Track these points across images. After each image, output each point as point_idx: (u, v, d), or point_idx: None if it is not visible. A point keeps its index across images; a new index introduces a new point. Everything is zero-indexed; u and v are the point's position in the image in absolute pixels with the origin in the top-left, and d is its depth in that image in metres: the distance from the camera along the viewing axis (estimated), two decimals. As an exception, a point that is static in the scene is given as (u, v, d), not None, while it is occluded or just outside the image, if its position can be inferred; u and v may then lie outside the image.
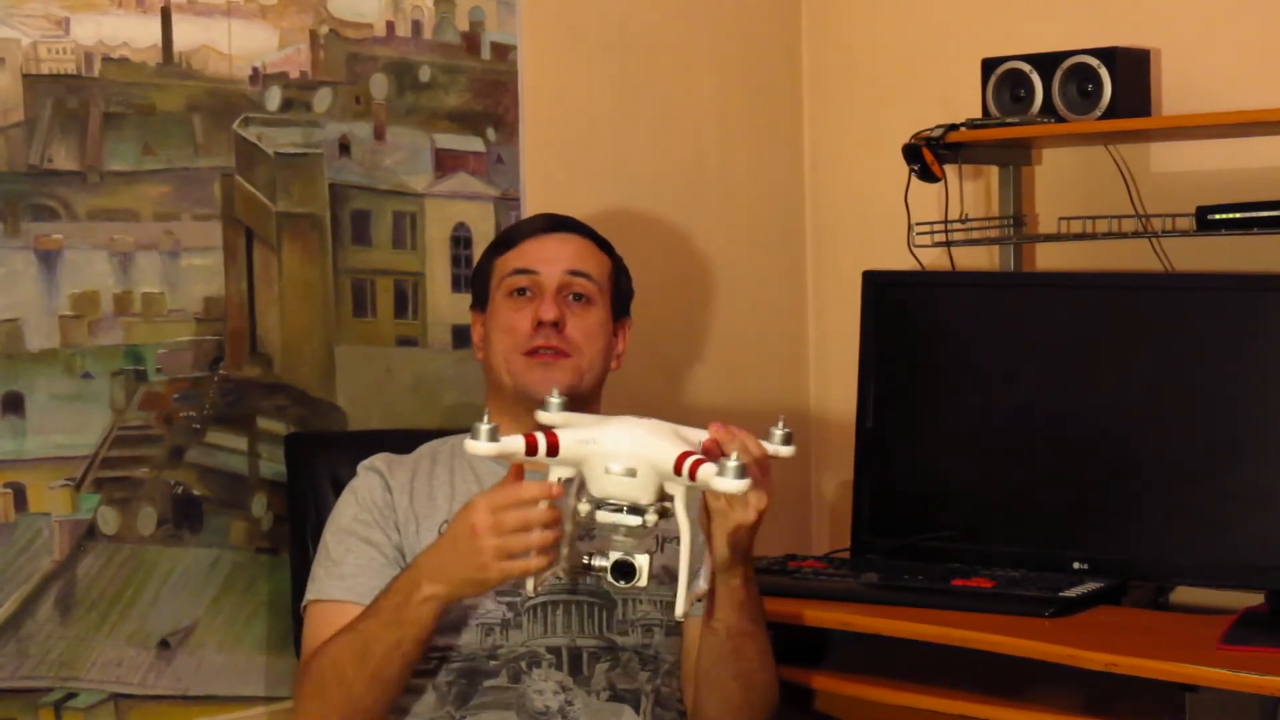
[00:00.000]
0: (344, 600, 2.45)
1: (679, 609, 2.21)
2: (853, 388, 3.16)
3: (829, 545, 3.44)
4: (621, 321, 2.67)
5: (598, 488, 2.17)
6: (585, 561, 2.19)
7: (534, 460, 2.18)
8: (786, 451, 2.27)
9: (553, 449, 2.16)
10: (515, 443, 2.15)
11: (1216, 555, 2.81)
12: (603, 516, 2.16)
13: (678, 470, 2.15)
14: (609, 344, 2.63)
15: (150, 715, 2.74)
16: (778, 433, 2.27)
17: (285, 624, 2.80)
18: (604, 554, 2.18)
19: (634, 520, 2.15)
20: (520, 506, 2.20)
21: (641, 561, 2.17)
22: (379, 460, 2.58)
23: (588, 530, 2.23)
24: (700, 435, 2.22)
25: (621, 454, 2.16)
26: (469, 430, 2.56)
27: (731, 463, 2.11)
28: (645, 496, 2.16)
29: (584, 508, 2.17)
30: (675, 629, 2.53)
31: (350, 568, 2.48)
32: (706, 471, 2.13)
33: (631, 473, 2.15)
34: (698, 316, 3.47)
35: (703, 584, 2.27)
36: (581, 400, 2.52)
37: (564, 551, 2.24)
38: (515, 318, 2.57)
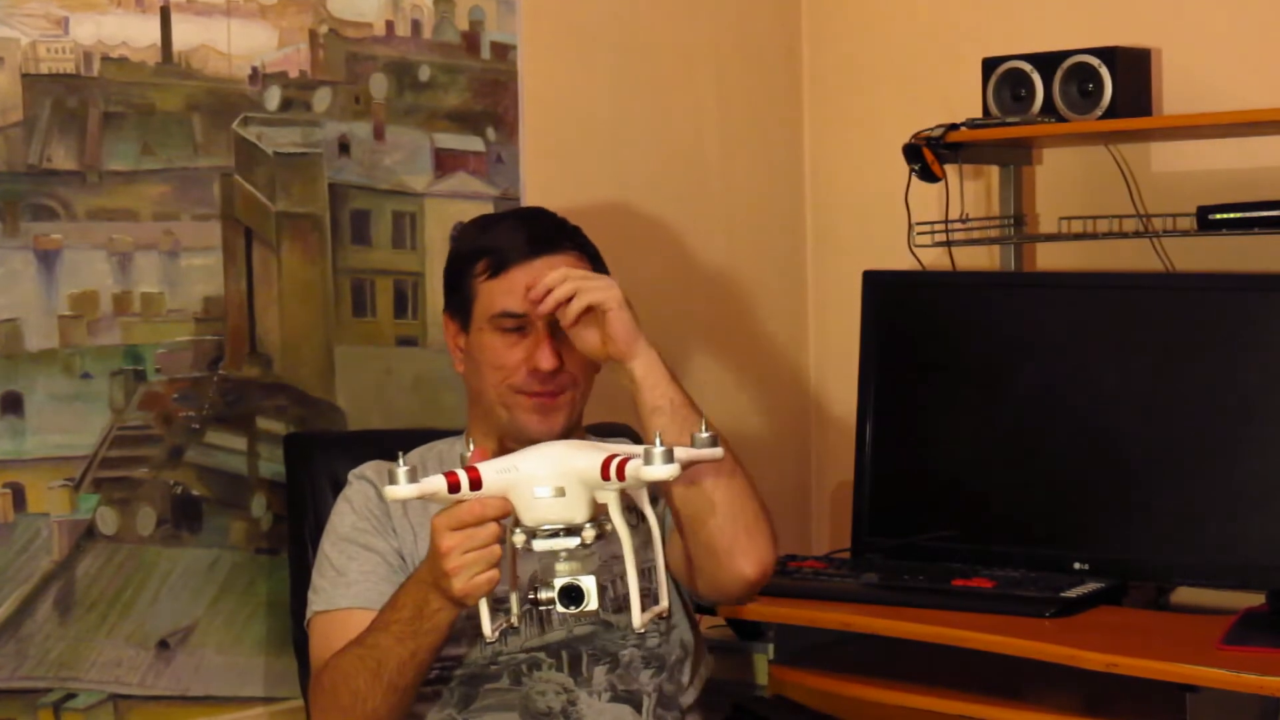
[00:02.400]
0: (352, 608, 2.45)
1: (635, 620, 2.16)
2: (853, 388, 3.16)
3: (829, 545, 3.44)
4: None
5: (529, 516, 2.13)
6: (531, 596, 2.14)
7: (458, 498, 2.15)
8: (666, 472, 2.10)
9: (475, 484, 2.13)
10: (436, 482, 2.13)
11: (1217, 555, 2.81)
12: (540, 544, 2.12)
13: (605, 475, 2.11)
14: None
15: (149, 716, 2.73)
16: (658, 451, 2.10)
17: (285, 624, 2.80)
18: (548, 584, 2.13)
19: (572, 542, 2.11)
20: (479, 524, 2.16)
21: (588, 584, 2.12)
22: (369, 470, 2.57)
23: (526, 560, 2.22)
24: (620, 447, 2.18)
25: (545, 475, 2.12)
26: (457, 434, 2.57)
27: (657, 449, 2.08)
28: (579, 514, 2.12)
29: (519, 539, 2.13)
30: (677, 627, 2.53)
31: (355, 574, 2.47)
32: (634, 466, 2.10)
33: (560, 492, 2.11)
34: (698, 317, 3.47)
35: (663, 602, 2.22)
36: (574, 421, 2.53)
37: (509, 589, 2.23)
38: (507, 355, 2.51)
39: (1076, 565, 2.90)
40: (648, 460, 2.08)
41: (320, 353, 2.93)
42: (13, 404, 2.60)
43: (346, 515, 2.53)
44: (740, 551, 2.44)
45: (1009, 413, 3.03)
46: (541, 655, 2.46)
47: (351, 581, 2.47)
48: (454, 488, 2.13)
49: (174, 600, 2.76)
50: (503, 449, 2.43)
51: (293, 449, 2.84)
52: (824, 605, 2.81)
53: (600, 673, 2.47)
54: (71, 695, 2.66)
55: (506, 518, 2.15)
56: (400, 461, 2.12)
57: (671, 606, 2.52)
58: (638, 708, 2.48)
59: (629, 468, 2.11)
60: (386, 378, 3.01)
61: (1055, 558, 2.91)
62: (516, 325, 2.51)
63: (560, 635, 2.47)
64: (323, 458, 2.78)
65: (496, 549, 2.16)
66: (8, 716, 2.59)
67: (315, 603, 2.50)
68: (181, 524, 2.77)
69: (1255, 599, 2.75)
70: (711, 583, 2.49)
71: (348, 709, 2.34)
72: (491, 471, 2.14)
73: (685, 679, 2.54)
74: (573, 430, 2.52)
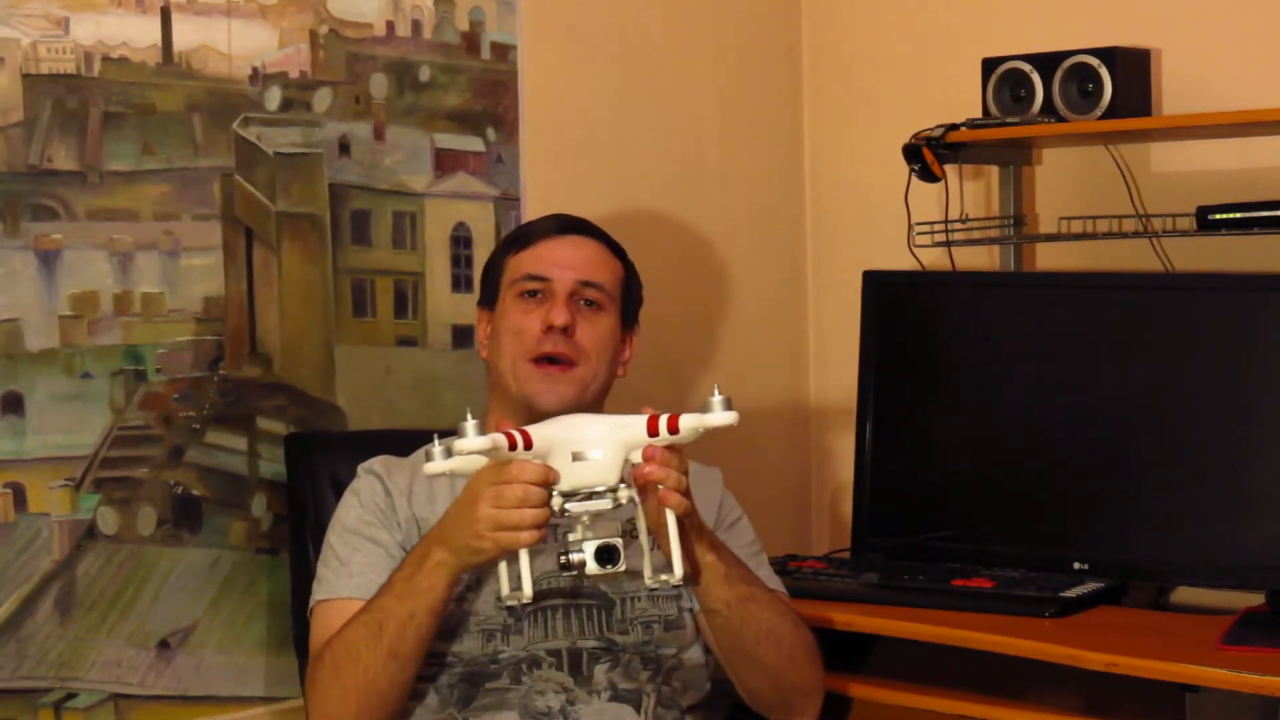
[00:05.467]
0: (353, 598, 2.45)
1: (647, 576, 2.26)
2: (853, 388, 3.16)
3: (829, 545, 3.44)
4: (630, 330, 2.68)
5: (566, 479, 2.22)
6: (563, 560, 2.22)
7: (513, 456, 2.22)
8: (728, 419, 2.25)
9: (528, 443, 2.22)
10: (499, 439, 2.21)
11: (1217, 555, 2.81)
12: (575, 507, 2.22)
13: (653, 432, 2.23)
14: (617, 352, 2.63)
15: (150, 715, 2.74)
16: (716, 400, 2.25)
17: (285, 624, 2.80)
18: (578, 547, 2.21)
19: (605, 504, 2.22)
20: (521, 483, 2.22)
21: (619, 543, 2.21)
22: (377, 464, 2.59)
23: (557, 525, 2.29)
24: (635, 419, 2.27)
25: (589, 438, 2.23)
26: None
27: (716, 397, 2.22)
28: (613, 477, 2.22)
29: (556, 502, 2.22)
30: (675, 622, 2.53)
31: (358, 566, 2.48)
32: (693, 418, 2.23)
33: (601, 456, 2.22)
34: (698, 316, 3.47)
35: (647, 579, 2.30)
36: (585, 409, 2.53)
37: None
38: (524, 320, 2.57)
39: (1076, 565, 2.90)
40: (707, 409, 2.22)
41: (320, 353, 2.94)
42: (13, 404, 2.60)
43: (353, 507, 2.55)
44: (796, 711, 2.58)
45: (1009, 412, 3.03)
46: (541, 654, 2.46)
47: (354, 573, 2.48)
48: (512, 445, 2.22)
49: (174, 600, 2.76)
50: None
51: (293, 449, 2.84)
52: (824, 605, 2.81)
53: (600, 671, 2.47)
54: (72, 695, 2.66)
55: (552, 483, 2.23)
56: (469, 417, 2.18)
57: (681, 615, 2.55)
58: (637, 707, 2.47)
59: (685, 420, 2.22)
60: (387, 378, 3.02)
61: (1055, 558, 2.91)
62: (537, 289, 2.58)
63: (564, 643, 2.48)
64: (323, 458, 2.79)
65: (529, 513, 2.22)
66: (8, 716, 2.59)
67: (318, 592, 2.51)
68: (182, 524, 2.77)
69: (1255, 599, 2.76)
70: (750, 703, 2.60)
71: (348, 679, 2.36)
72: (540, 434, 2.24)
73: (679, 683, 2.55)
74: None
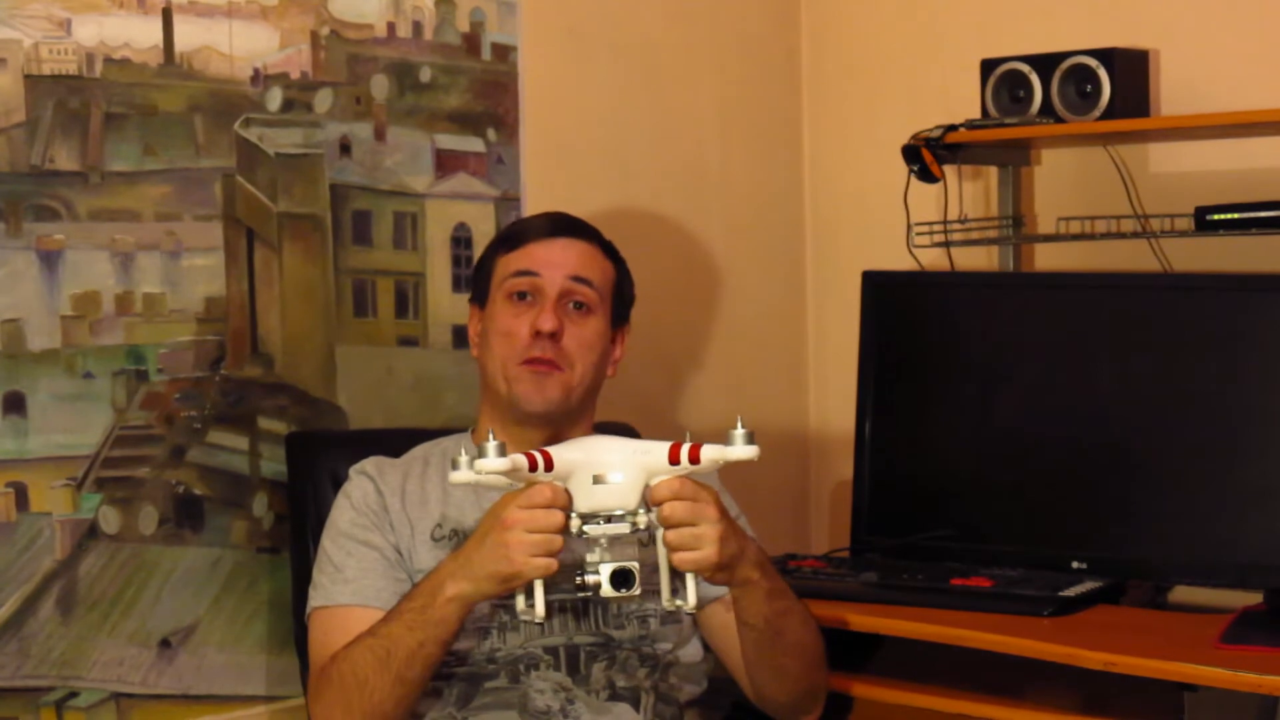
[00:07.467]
0: (350, 605, 2.46)
1: (690, 600, 2.28)
2: (852, 388, 3.16)
3: (829, 545, 3.44)
4: (620, 329, 2.68)
5: (585, 502, 2.23)
6: (579, 581, 2.23)
7: (533, 477, 2.23)
8: (749, 453, 2.25)
9: (549, 464, 2.23)
10: (520, 460, 2.22)
11: (1215, 554, 2.81)
12: (592, 530, 2.22)
13: (674, 460, 2.23)
14: (605, 353, 2.62)
15: (152, 714, 2.74)
16: (739, 433, 2.25)
17: (286, 623, 2.81)
18: (594, 569, 2.22)
19: (624, 528, 2.22)
20: (549, 507, 2.23)
21: (634, 567, 2.22)
22: (369, 464, 2.59)
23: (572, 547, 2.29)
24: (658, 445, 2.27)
25: (611, 461, 2.23)
26: (462, 431, 2.62)
27: (739, 431, 2.21)
28: (633, 501, 2.23)
29: (574, 524, 2.22)
30: (670, 616, 2.54)
31: (353, 571, 2.49)
32: (714, 449, 2.22)
33: (622, 480, 2.22)
34: (698, 317, 3.48)
35: (664, 602, 2.33)
36: (572, 412, 2.55)
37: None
38: (514, 323, 2.56)
39: (1075, 564, 2.90)
40: (730, 442, 2.22)
41: (321, 353, 2.94)
42: (15, 404, 2.61)
43: (345, 511, 2.55)
44: (802, 711, 2.60)
45: (1007, 412, 3.03)
46: (539, 652, 2.47)
47: (349, 579, 2.48)
48: (533, 466, 2.22)
49: (176, 599, 2.77)
50: (513, 437, 2.46)
51: (294, 448, 2.85)
52: (823, 604, 2.81)
53: (598, 670, 2.48)
54: (74, 694, 2.66)
55: (568, 507, 2.24)
56: (490, 437, 2.20)
57: (677, 610, 2.55)
58: (636, 705, 2.48)
59: (707, 451, 2.23)
60: (387, 377, 3.02)
61: (1054, 557, 2.92)
62: (526, 290, 2.57)
63: (561, 640, 2.48)
64: (324, 457, 2.79)
65: (559, 539, 2.24)
66: (10, 715, 2.60)
67: (314, 598, 2.52)
68: (183, 523, 2.78)
69: (1253, 598, 2.76)
70: (758, 703, 2.62)
71: (353, 699, 2.36)
72: (561, 455, 2.25)
73: (676, 679, 2.55)
74: (574, 419, 2.54)
